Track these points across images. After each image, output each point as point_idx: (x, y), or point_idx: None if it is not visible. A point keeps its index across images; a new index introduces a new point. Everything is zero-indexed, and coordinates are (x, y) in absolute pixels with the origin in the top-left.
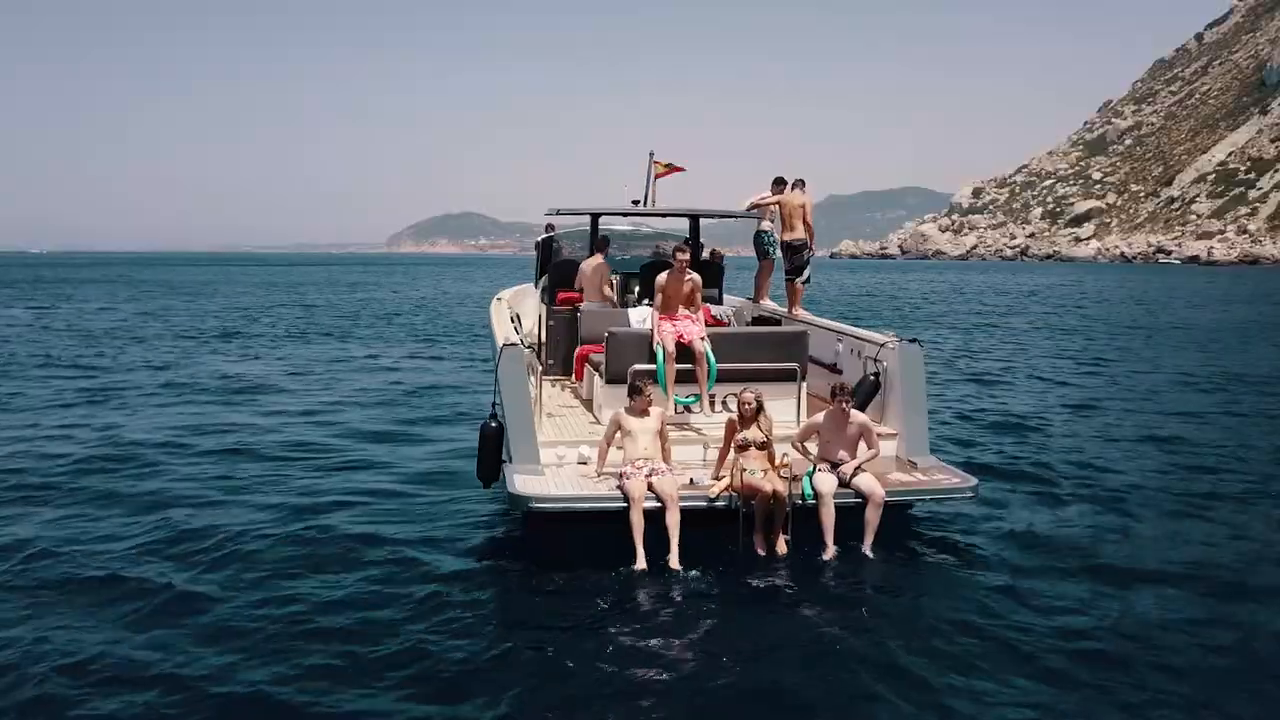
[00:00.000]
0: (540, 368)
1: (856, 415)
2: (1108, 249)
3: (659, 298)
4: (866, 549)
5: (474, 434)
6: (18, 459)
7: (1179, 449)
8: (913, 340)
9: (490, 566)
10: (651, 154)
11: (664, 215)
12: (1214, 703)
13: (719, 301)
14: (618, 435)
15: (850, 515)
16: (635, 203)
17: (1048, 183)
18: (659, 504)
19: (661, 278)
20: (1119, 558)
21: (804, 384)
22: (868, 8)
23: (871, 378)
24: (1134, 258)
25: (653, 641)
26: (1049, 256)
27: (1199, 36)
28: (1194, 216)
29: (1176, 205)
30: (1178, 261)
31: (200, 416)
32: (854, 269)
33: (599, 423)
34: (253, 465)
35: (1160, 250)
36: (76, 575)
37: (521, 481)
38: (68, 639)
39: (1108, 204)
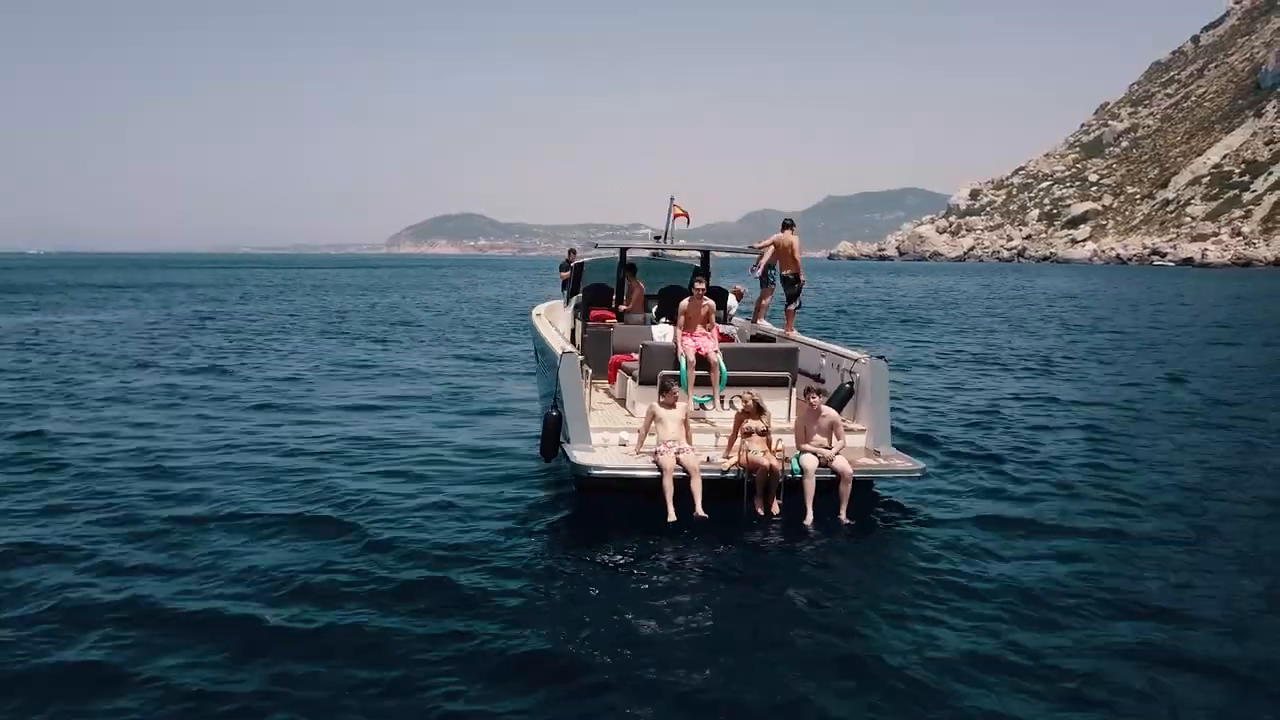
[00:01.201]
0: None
1: (827, 411)
2: (1103, 251)
3: (681, 319)
4: (842, 514)
5: (518, 422)
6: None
7: (1113, 440)
8: (879, 357)
9: (550, 522)
10: (672, 198)
11: (681, 249)
12: (1117, 649)
13: (725, 322)
14: (653, 423)
15: (828, 488)
16: (656, 238)
17: (1044, 184)
18: (684, 474)
19: (684, 303)
20: (1039, 523)
21: (794, 389)
22: (868, 8)
23: (847, 385)
24: (1129, 259)
25: (676, 578)
26: (1045, 258)
27: (1195, 39)
28: (1189, 219)
29: (1171, 207)
30: (1172, 264)
31: (268, 411)
32: (848, 271)
33: (632, 416)
34: (331, 448)
35: (1155, 252)
36: (178, 541)
37: (579, 455)
38: (154, 594)
39: (1104, 206)
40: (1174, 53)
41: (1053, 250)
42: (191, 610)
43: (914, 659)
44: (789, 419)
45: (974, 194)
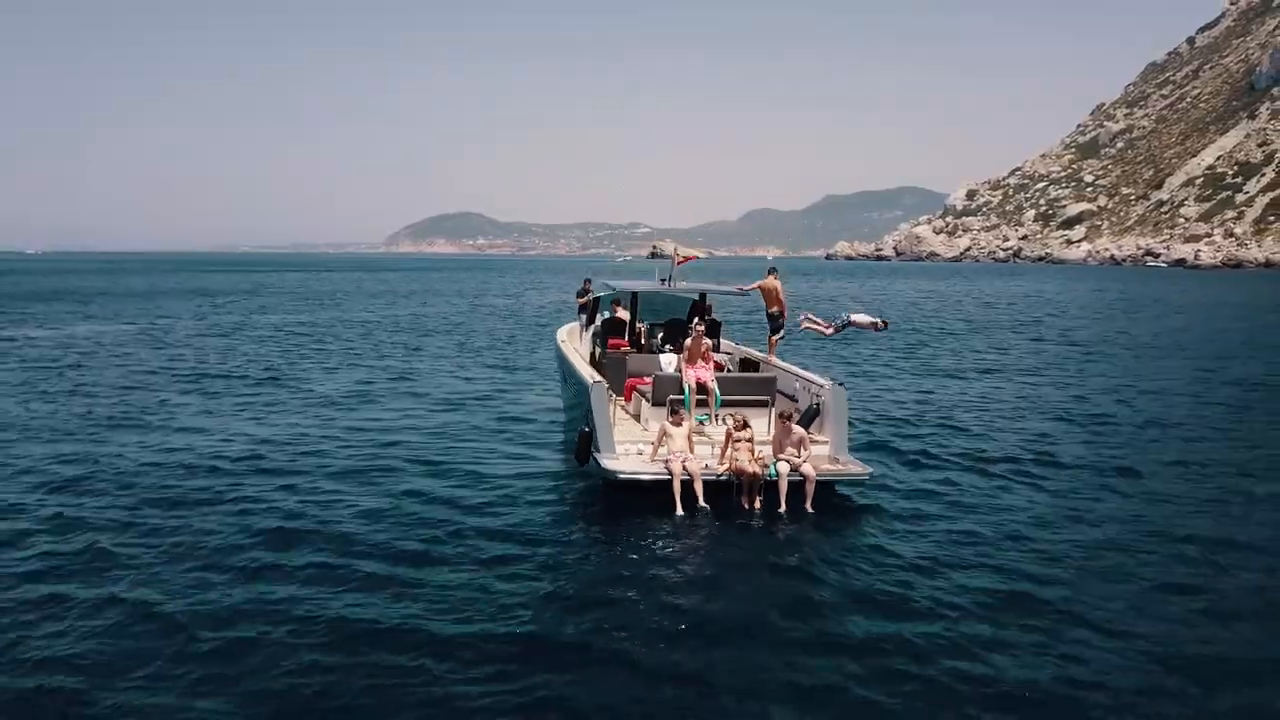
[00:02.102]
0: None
1: (796, 429)
2: (1098, 251)
3: (685, 353)
4: (807, 507)
5: (548, 428)
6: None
7: (1045, 444)
8: (840, 383)
9: (585, 512)
10: (676, 248)
11: (683, 291)
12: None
13: (717, 349)
14: (663, 437)
15: (797, 488)
16: (663, 281)
17: (1040, 185)
18: (688, 477)
19: (688, 341)
20: (967, 515)
21: (773, 409)
22: (868, 8)
23: (815, 406)
24: (1123, 260)
25: (681, 555)
26: (1041, 258)
27: (1191, 40)
28: (1182, 219)
29: (1165, 208)
30: (1165, 265)
31: (337, 423)
32: (844, 274)
33: (647, 430)
34: (397, 449)
35: (1149, 253)
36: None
37: (607, 462)
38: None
39: (1099, 207)
40: (1170, 54)
41: (1048, 251)
42: (287, 568)
43: (854, 617)
44: (768, 433)
45: (970, 194)
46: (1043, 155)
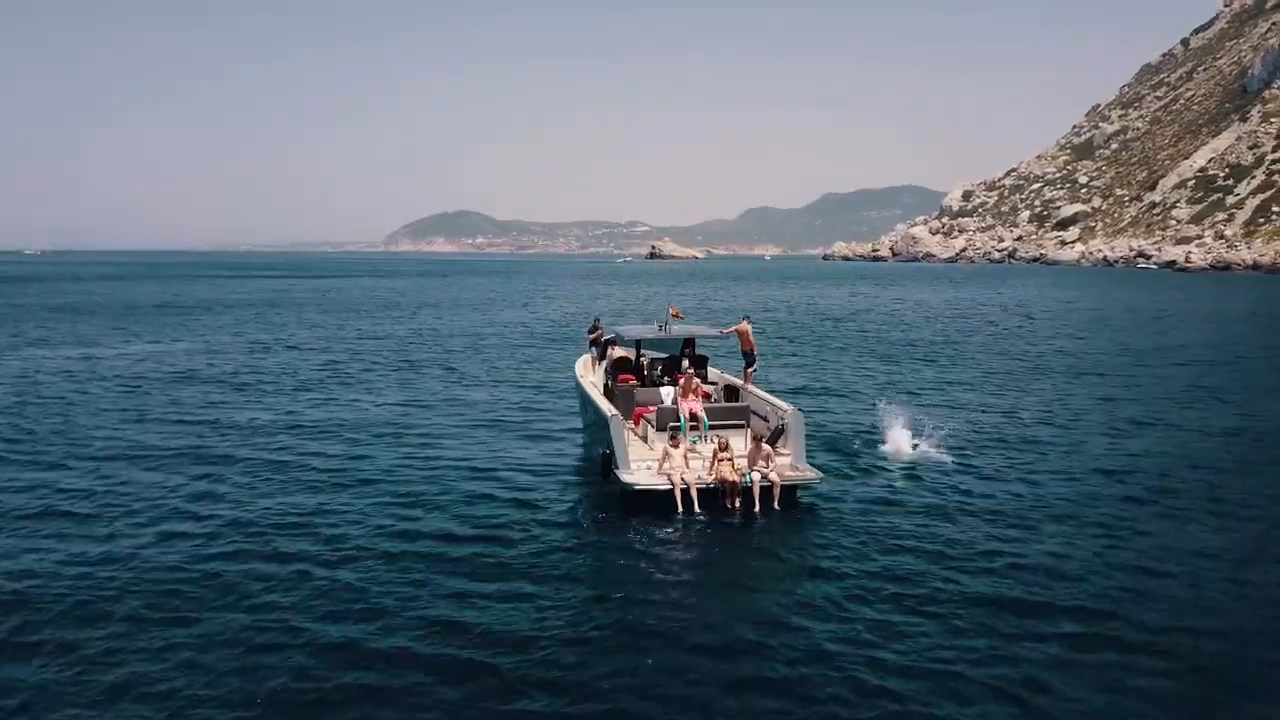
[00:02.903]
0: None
1: (764, 447)
2: (1092, 252)
3: (679, 389)
4: (775, 506)
5: (571, 446)
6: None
7: (971, 453)
8: (799, 408)
9: (608, 515)
10: (670, 305)
11: (673, 337)
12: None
13: (705, 379)
14: (666, 456)
15: (766, 491)
16: (660, 328)
17: (1035, 186)
18: (685, 486)
19: (681, 380)
20: (910, 508)
21: (749, 430)
22: (868, 8)
23: (780, 425)
24: (1115, 261)
25: (682, 544)
26: (1036, 259)
27: (1185, 42)
28: (1174, 221)
29: (1158, 210)
30: (1155, 266)
31: (391, 440)
32: (839, 279)
33: (652, 450)
34: (442, 460)
35: (1141, 255)
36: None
37: (625, 477)
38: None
39: (1093, 208)
40: (1164, 55)
41: (1043, 252)
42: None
43: (810, 587)
44: (745, 449)
45: (966, 195)
46: (1038, 156)
